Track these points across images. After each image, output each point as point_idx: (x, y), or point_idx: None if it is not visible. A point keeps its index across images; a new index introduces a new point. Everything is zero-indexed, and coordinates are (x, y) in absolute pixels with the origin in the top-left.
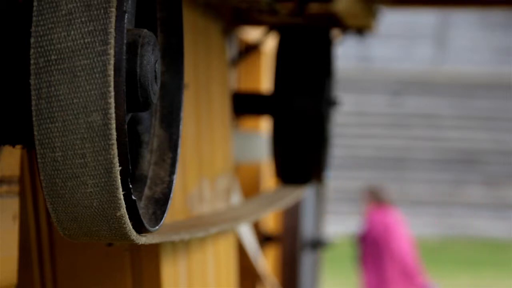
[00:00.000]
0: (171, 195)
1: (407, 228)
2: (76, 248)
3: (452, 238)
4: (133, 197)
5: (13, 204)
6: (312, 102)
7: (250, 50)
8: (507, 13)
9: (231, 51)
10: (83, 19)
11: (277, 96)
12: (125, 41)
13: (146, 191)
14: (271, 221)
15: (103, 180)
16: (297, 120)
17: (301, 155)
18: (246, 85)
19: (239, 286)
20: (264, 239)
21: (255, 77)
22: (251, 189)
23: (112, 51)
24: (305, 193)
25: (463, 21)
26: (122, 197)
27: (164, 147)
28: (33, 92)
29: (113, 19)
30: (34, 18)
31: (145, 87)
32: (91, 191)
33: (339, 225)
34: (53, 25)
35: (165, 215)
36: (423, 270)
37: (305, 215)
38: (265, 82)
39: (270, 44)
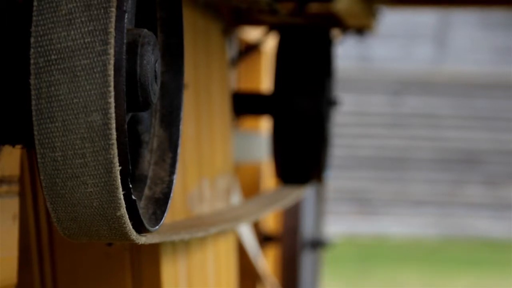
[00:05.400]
0: (171, 195)
1: None
2: (76, 248)
3: (452, 238)
4: (133, 197)
5: (13, 204)
6: (312, 102)
7: (250, 50)
8: (508, 13)
9: (231, 51)
10: (83, 19)
11: (277, 96)
12: (125, 41)
13: (146, 191)
14: (271, 221)
15: (103, 180)
16: (297, 120)
17: (301, 155)
18: (247, 85)
19: (239, 286)
20: (264, 239)
21: (255, 77)
22: (251, 189)
23: (112, 51)
24: (305, 193)
25: (464, 21)
26: (122, 197)
27: (164, 147)
28: (33, 92)
29: (113, 19)
30: (34, 18)
31: (145, 87)
32: (91, 191)
33: (339, 225)
34: (53, 25)
35: (165, 215)
36: None
37: (305, 215)
38: (265, 82)
39: (270, 44)
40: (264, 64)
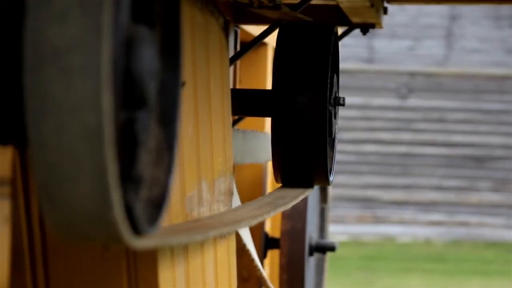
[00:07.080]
0: (169, 197)
1: None
2: (70, 252)
3: (461, 242)
4: (129, 199)
5: (4, 207)
6: (316, 101)
7: (251, 46)
8: None
9: (231, 47)
10: (77, 15)
11: (277, 94)
12: (121, 38)
13: (143, 193)
14: (273, 224)
15: (98, 181)
16: (300, 120)
17: (304, 158)
18: (248, 83)
19: None
20: (266, 242)
21: (256, 74)
22: (255, 189)
23: (107, 48)
24: (309, 196)
25: (473, 18)
26: (117, 199)
27: (161, 147)
28: (26, 90)
29: (109, 15)
30: (28, 14)
31: (141, 85)
32: (86, 193)
33: (341, 226)
34: (47, 21)
35: (162, 217)
36: None
37: (308, 217)
38: (268, 80)
39: (272, 39)
40: (265, 61)
